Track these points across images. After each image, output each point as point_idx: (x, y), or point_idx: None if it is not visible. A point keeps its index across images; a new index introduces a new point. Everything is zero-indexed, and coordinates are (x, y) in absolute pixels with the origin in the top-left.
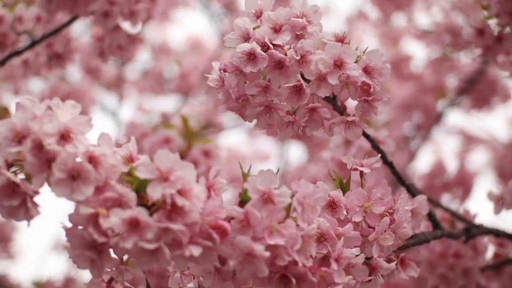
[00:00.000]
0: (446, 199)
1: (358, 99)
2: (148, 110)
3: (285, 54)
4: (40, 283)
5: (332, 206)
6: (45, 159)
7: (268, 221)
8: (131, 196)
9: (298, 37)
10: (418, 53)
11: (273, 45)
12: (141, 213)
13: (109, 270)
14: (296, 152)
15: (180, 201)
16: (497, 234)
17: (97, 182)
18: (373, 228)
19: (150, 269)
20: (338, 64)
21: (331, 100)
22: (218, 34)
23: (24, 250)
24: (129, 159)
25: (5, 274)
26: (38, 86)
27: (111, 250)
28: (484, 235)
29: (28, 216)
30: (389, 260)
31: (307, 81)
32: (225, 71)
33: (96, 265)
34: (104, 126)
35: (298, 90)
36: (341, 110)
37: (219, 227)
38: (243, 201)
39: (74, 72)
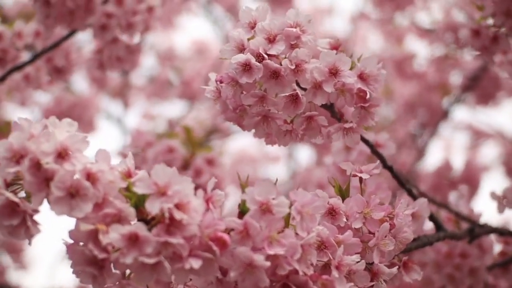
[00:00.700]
0: (453, 197)
1: (355, 105)
2: (154, 117)
3: (280, 64)
4: None
5: (331, 213)
6: (44, 178)
7: (267, 231)
8: (130, 211)
9: (292, 47)
10: (422, 51)
11: (268, 55)
12: (140, 228)
13: (111, 285)
14: (305, 153)
15: (178, 215)
16: (502, 233)
17: (95, 198)
18: (374, 234)
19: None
20: (333, 72)
21: (329, 108)
22: (222, 38)
23: (35, 260)
24: (127, 175)
25: (17, 285)
26: (44, 97)
27: (112, 265)
28: (488, 234)
29: (29, 235)
30: (391, 265)
31: (303, 89)
32: (221, 82)
33: (98, 280)
34: (109, 134)
35: (294, 99)
36: (339, 117)
37: (218, 239)
38: (242, 212)
39: (79, 81)
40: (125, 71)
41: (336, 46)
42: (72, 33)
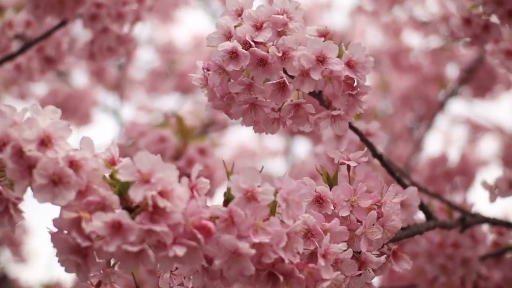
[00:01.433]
0: (449, 190)
1: (342, 93)
2: (150, 110)
3: (267, 51)
4: (48, 285)
5: (318, 201)
6: (26, 166)
7: (252, 219)
8: (114, 199)
9: (279, 34)
10: (418, 44)
11: (255, 42)
12: (123, 216)
13: (96, 273)
14: (303, 147)
15: (161, 202)
16: (494, 222)
17: (78, 186)
18: (361, 222)
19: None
20: (321, 59)
21: (317, 96)
22: None
23: (34, 254)
24: (111, 162)
25: (16, 277)
26: (41, 89)
27: (96, 254)
28: (480, 224)
29: (12, 223)
30: (380, 254)
31: (291, 77)
32: (208, 70)
33: (82, 269)
34: (106, 126)
35: (281, 87)
36: (327, 105)
37: (203, 227)
38: (227, 200)
39: (78, 75)
40: (122, 64)
41: (324, 34)
42: (62, 23)
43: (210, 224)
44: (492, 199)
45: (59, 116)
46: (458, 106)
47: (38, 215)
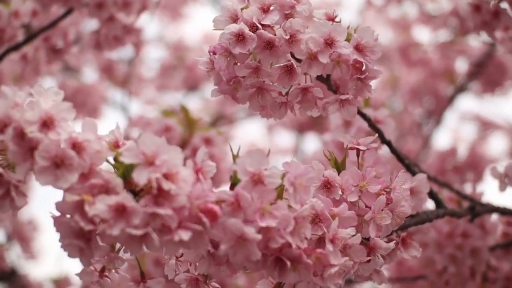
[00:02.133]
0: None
1: (351, 77)
2: (157, 105)
3: (275, 34)
4: (57, 280)
5: (326, 186)
6: (28, 147)
7: (259, 203)
8: (117, 181)
9: (287, 17)
10: (427, 38)
11: (262, 25)
12: (127, 199)
13: (100, 258)
14: (312, 144)
15: (166, 185)
16: (504, 212)
17: (81, 168)
18: (370, 207)
19: (156, 258)
20: (329, 43)
21: (325, 80)
22: None
23: (44, 249)
24: (115, 145)
25: (25, 274)
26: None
27: (99, 238)
28: (490, 213)
29: (14, 206)
30: (389, 240)
31: (298, 61)
32: (214, 53)
33: (85, 253)
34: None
35: (289, 70)
36: (335, 89)
37: (208, 210)
38: (233, 184)
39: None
40: (131, 59)
41: (332, 18)
42: (68, 12)
43: (216, 208)
44: (502, 188)
45: (61, 98)
46: (467, 102)
47: (48, 211)
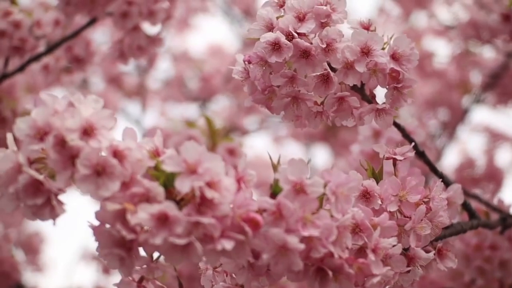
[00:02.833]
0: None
1: (387, 86)
2: (171, 117)
3: (311, 43)
4: None
5: (366, 196)
6: (69, 156)
7: (301, 212)
8: (159, 190)
9: (322, 25)
10: (441, 49)
11: (298, 34)
12: (170, 208)
13: (139, 268)
14: (321, 156)
15: (209, 193)
16: None
17: (123, 177)
18: (409, 217)
19: (180, 270)
20: (365, 52)
21: (359, 89)
22: (239, 39)
23: (52, 262)
24: (155, 153)
25: (34, 286)
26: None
27: (140, 248)
28: None
29: (54, 215)
30: (426, 251)
31: (334, 69)
32: (249, 62)
33: (126, 263)
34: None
35: (325, 79)
36: (370, 98)
37: (251, 219)
38: (274, 193)
39: (96, 82)
40: (142, 71)
41: (367, 26)
42: (91, 21)
43: (258, 217)
44: None
45: (101, 105)
46: (480, 113)
47: (54, 224)
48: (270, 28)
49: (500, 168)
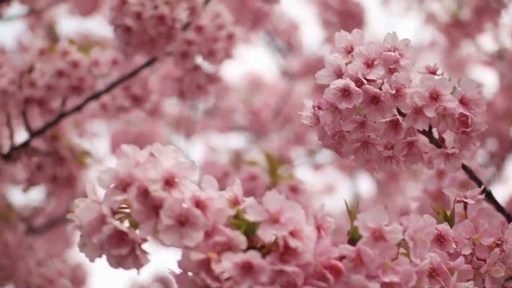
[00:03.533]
0: None
1: (456, 131)
2: (218, 149)
3: (379, 89)
4: None
5: (440, 240)
6: (152, 206)
7: (381, 259)
8: (241, 239)
9: (391, 71)
10: (486, 79)
11: (367, 80)
12: (255, 257)
13: None
14: (365, 184)
15: (293, 242)
16: None
17: (205, 226)
18: (483, 260)
19: None
20: (434, 97)
21: (427, 133)
22: (280, 70)
23: None
24: (235, 202)
25: None
26: (102, 128)
27: None
28: None
29: (138, 264)
30: None
31: (403, 114)
32: (319, 108)
33: None
34: None
35: (395, 125)
36: (439, 142)
37: (332, 266)
38: (352, 239)
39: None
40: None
41: (434, 70)
42: (151, 61)
43: (340, 264)
44: None
45: (181, 156)
46: None
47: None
48: (339, 74)
49: None
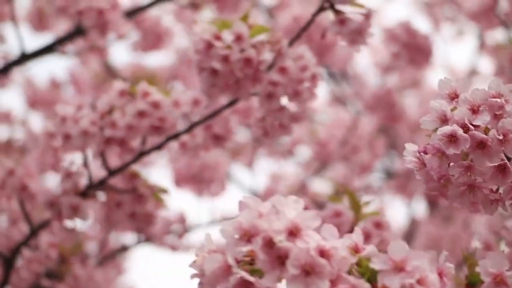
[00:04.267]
0: None
1: None
2: (281, 178)
3: (486, 134)
4: None
5: None
6: (276, 256)
7: None
8: (366, 286)
9: (496, 117)
10: None
11: (473, 125)
12: None
13: None
14: (420, 209)
15: None
16: None
17: (330, 275)
18: None
19: None
20: None
21: None
22: (332, 97)
23: None
24: (355, 249)
25: None
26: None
27: None
28: None
29: None
30: None
31: (510, 159)
32: (425, 153)
33: None
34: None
35: (502, 169)
36: None
37: None
38: (470, 284)
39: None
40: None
41: None
42: (233, 101)
43: None
44: None
45: (302, 206)
46: None
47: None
48: (444, 120)
49: None
